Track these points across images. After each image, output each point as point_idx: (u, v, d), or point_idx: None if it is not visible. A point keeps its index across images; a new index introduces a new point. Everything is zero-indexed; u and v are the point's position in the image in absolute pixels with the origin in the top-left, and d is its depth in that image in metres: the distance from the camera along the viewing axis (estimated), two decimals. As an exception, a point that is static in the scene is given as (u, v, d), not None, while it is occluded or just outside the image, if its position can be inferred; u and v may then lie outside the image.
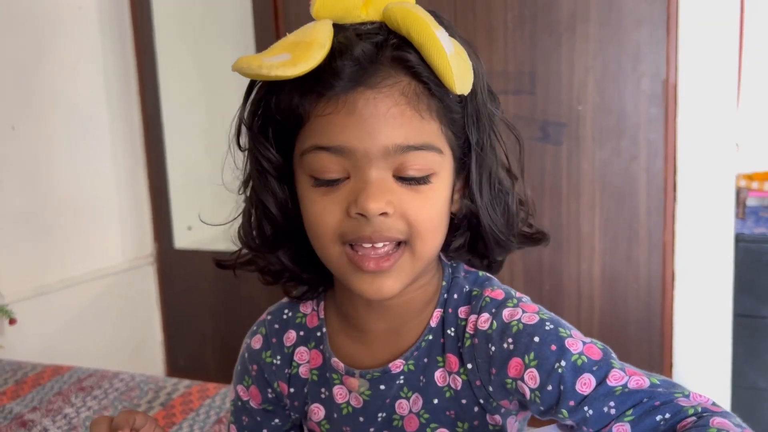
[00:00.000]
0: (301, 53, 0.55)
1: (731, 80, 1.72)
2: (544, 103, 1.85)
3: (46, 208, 2.18)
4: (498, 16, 1.88)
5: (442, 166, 0.60)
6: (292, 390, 0.72)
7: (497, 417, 0.66)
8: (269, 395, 0.74)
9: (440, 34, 0.56)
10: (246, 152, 0.66)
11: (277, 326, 0.73)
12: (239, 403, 0.76)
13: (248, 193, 0.68)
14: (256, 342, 0.74)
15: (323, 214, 0.59)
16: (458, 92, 0.57)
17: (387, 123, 0.57)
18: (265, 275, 0.71)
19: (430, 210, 0.60)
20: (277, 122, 0.62)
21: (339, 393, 0.69)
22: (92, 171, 2.34)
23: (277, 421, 0.75)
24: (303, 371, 0.71)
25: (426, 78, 0.57)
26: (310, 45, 0.55)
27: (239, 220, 0.72)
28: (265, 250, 0.68)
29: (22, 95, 2.09)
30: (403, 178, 0.58)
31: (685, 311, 1.82)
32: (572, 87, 1.83)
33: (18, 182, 2.09)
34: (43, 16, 2.15)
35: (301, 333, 0.72)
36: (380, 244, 0.59)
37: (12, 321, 1.99)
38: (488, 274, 0.69)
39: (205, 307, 2.52)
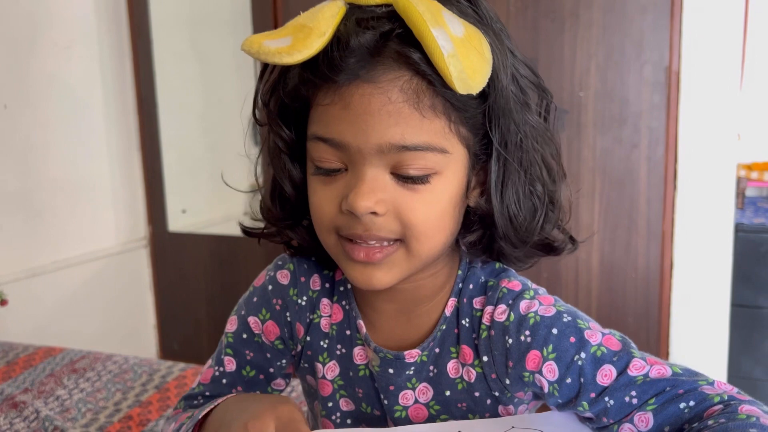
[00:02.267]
0: (300, 41, 0.52)
1: (734, 70, 1.70)
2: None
3: (39, 189, 2.15)
4: (501, 1, 1.85)
5: (446, 165, 0.56)
6: (308, 338, 0.69)
7: (510, 407, 0.64)
8: (285, 333, 0.70)
9: (438, 33, 0.51)
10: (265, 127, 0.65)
11: (306, 266, 0.70)
12: (244, 336, 0.71)
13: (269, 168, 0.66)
14: (283, 277, 0.70)
15: (321, 204, 0.58)
16: (461, 92, 0.52)
17: (381, 121, 0.53)
18: (289, 248, 0.70)
19: (427, 211, 0.56)
20: (288, 103, 0.60)
21: (359, 354, 0.67)
22: (86, 152, 2.31)
23: (284, 361, 0.72)
24: (324, 324, 0.69)
25: (429, 76, 0.53)
26: (310, 32, 0.52)
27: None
28: (282, 225, 0.66)
29: (15, 75, 2.06)
30: (400, 176, 0.55)
31: (683, 301, 1.81)
32: (574, 73, 1.81)
33: (11, 163, 2.06)
34: (37, -7, 2.11)
35: (327, 285, 0.69)
36: (372, 242, 0.56)
37: (3, 302, 1.96)
38: (505, 266, 0.66)
39: (199, 291, 2.50)
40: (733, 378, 1.88)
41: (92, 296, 2.33)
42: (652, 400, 0.54)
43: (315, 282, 0.69)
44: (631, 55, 1.77)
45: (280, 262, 0.71)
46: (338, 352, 0.68)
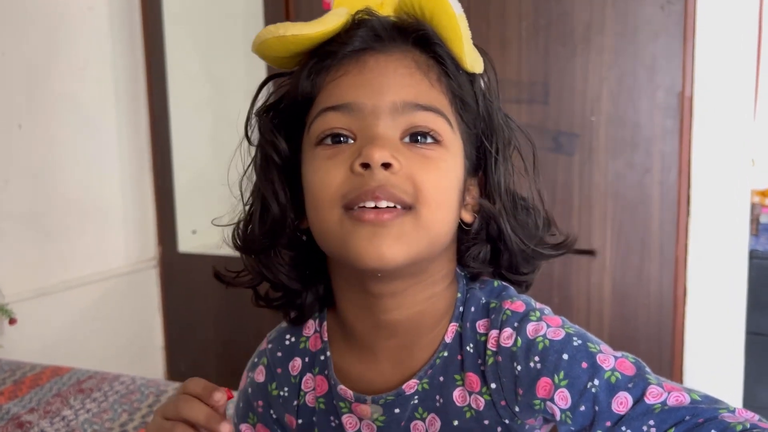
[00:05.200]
0: (318, 22, 0.58)
1: (748, 95, 1.70)
2: (557, 113, 1.83)
3: (50, 209, 2.16)
4: (512, 25, 1.86)
5: (451, 141, 0.58)
6: (300, 421, 0.67)
7: None
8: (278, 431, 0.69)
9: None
10: (254, 147, 0.65)
11: (280, 354, 0.68)
12: None
13: (248, 192, 0.67)
14: (259, 375, 0.69)
15: (326, 175, 0.57)
16: (467, 58, 0.58)
17: (396, 81, 0.57)
18: (257, 299, 0.68)
19: (438, 178, 0.57)
20: (288, 108, 0.61)
21: (349, 422, 0.65)
22: (98, 172, 2.33)
23: None
24: (309, 399, 0.67)
25: (438, 47, 0.59)
26: (327, 17, 0.58)
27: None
28: (258, 248, 0.64)
29: (30, 94, 2.08)
30: (412, 139, 0.57)
31: (697, 328, 1.79)
32: (586, 98, 1.81)
33: (23, 181, 2.07)
34: (53, 16, 2.14)
35: (306, 359, 0.67)
36: (384, 204, 0.54)
37: (12, 321, 1.96)
38: (504, 283, 0.65)
39: (208, 313, 2.49)
40: (748, 408, 1.84)
41: (101, 316, 2.33)
42: (672, 430, 0.52)
43: (294, 366, 0.68)
44: (643, 80, 1.76)
45: (255, 359, 0.71)
46: (332, 424, 0.66)
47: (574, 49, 1.81)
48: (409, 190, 0.55)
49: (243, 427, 0.70)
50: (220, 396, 0.55)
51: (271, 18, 2.21)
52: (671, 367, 1.82)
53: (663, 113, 1.76)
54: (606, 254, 1.84)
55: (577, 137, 1.81)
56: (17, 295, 2.01)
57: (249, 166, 0.66)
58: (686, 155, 1.74)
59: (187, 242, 2.50)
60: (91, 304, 2.30)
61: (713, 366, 1.79)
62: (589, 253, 0.70)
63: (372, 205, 0.54)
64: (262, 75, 2.56)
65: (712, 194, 1.74)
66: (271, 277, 0.65)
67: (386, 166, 0.54)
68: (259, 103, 0.66)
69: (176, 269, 2.52)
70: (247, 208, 0.66)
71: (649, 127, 1.77)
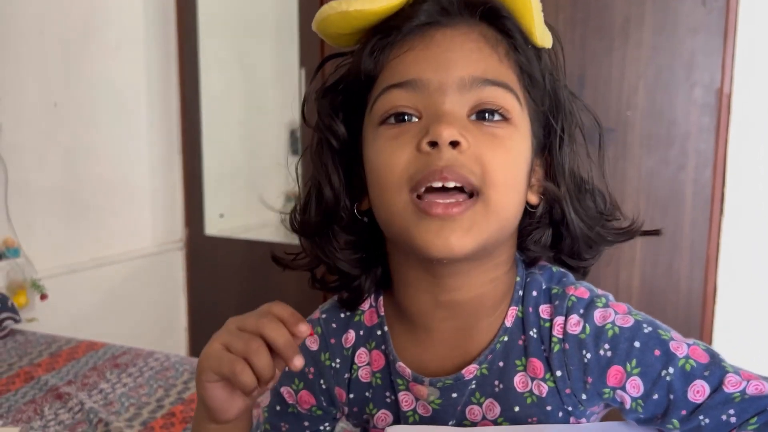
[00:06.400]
0: None
1: (787, 94, 1.68)
2: (593, 106, 1.82)
3: (81, 188, 2.19)
4: (549, 17, 1.83)
5: (519, 120, 0.56)
6: (351, 396, 0.66)
7: (583, 420, 0.61)
8: (322, 401, 0.68)
9: None
10: (312, 129, 0.64)
11: (335, 325, 0.67)
12: (278, 408, 0.69)
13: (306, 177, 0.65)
14: (312, 342, 0.66)
15: (392, 156, 0.55)
16: (537, 32, 0.56)
17: (464, 55, 0.55)
18: (314, 282, 0.67)
19: (506, 159, 0.54)
20: (348, 88, 0.60)
21: (405, 400, 0.63)
22: (129, 153, 2.35)
23: (327, 425, 0.70)
24: (363, 374, 0.65)
25: (506, 21, 0.57)
26: None
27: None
28: (313, 231, 0.63)
29: (66, 73, 2.10)
30: (479, 116, 0.54)
31: (726, 326, 1.78)
32: (622, 92, 1.80)
33: (56, 160, 2.10)
34: (90, -3, 2.16)
35: (361, 332, 0.66)
36: (452, 184, 0.53)
37: (43, 296, 1.99)
38: (563, 270, 0.63)
39: (232, 296, 2.51)
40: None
41: (127, 295, 2.36)
42: (754, 420, 0.51)
43: (348, 339, 0.66)
44: (681, 76, 1.75)
45: None
46: (387, 401, 0.65)
47: (612, 43, 1.80)
48: (476, 170, 0.53)
49: (284, 390, 0.68)
50: (305, 328, 0.53)
51: (305, 3, 2.21)
52: (698, 365, 1.81)
53: (700, 110, 1.75)
54: (636, 250, 1.83)
55: (611, 131, 1.81)
56: (48, 271, 2.04)
57: (306, 149, 0.65)
58: (722, 153, 1.73)
59: (214, 225, 2.53)
60: (118, 283, 2.33)
61: (741, 365, 1.78)
62: (655, 233, 0.69)
63: (439, 185, 0.53)
64: (294, 62, 2.55)
65: (747, 193, 1.73)
66: (329, 261, 0.63)
67: (454, 144, 0.52)
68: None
69: (202, 251, 2.54)
70: (305, 191, 0.65)
71: (685, 124, 1.76)
